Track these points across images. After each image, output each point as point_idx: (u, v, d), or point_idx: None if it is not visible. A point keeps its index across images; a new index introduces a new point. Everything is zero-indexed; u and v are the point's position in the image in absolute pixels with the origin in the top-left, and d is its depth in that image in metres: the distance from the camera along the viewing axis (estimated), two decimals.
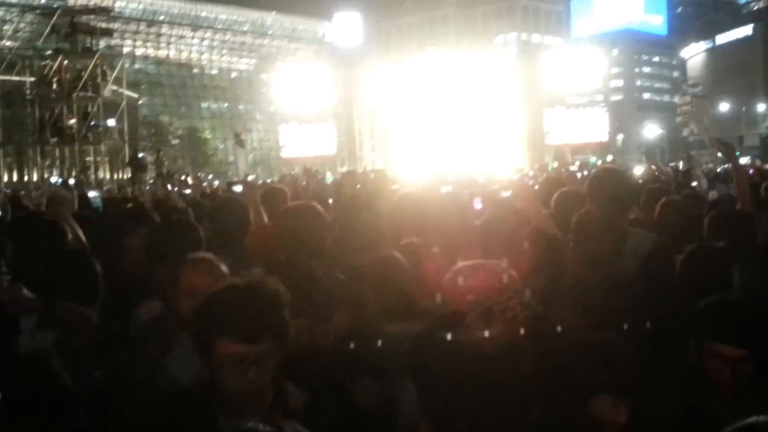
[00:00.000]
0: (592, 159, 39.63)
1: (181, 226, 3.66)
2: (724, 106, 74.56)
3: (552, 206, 4.24)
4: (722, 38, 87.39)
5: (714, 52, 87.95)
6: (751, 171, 11.88)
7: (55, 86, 30.87)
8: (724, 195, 6.95)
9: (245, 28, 68.21)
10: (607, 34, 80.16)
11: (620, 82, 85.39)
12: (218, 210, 4.13)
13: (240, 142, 26.52)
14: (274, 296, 1.86)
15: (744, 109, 69.17)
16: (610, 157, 43.98)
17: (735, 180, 5.30)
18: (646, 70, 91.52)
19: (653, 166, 13.35)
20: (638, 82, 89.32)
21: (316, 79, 43.88)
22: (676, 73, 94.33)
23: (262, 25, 69.11)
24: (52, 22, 32.48)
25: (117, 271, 3.50)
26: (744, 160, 28.17)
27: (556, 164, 23.71)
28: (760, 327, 2.28)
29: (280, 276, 2.35)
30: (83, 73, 31.43)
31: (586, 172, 13.33)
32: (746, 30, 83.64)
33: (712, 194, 7.82)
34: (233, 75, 69.04)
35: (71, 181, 23.86)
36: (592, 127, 53.30)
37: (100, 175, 34.09)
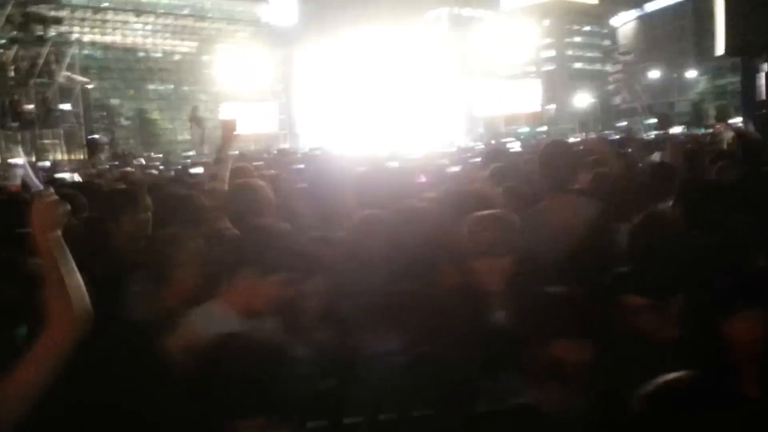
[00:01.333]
0: (525, 129, 40.19)
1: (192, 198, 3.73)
2: (655, 74, 74.02)
3: (488, 176, 4.39)
4: (652, 6, 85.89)
5: (644, 20, 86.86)
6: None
7: (12, 74, 31.60)
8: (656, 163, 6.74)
9: (185, 12, 69.01)
10: (537, 5, 79.98)
11: (552, 53, 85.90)
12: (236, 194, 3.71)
13: (197, 120, 26.84)
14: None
15: (675, 75, 70.41)
16: (544, 128, 44.71)
17: (668, 146, 5.30)
18: (577, 39, 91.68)
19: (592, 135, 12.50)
20: (569, 52, 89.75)
21: (255, 60, 44.96)
22: (607, 42, 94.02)
23: (201, 9, 69.98)
24: (6, 13, 32.67)
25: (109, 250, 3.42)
26: (677, 130, 28.86)
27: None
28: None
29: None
30: (38, 61, 32.27)
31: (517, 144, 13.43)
32: None
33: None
34: (177, 57, 69.53)
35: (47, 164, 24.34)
36: (525, 98, 54.04)
37: (57, 156, 34.41)
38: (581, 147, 9.02)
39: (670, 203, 3.80)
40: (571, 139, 20.20)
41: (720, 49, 5.52)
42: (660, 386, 1.63)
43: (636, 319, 2.39)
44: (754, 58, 6.11)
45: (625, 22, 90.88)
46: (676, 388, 1.57)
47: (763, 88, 5.55)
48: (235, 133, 4.27)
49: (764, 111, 5.20)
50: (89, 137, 29.13)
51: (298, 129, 44.57)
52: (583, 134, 20.77)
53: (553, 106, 74.94)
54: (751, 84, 7.34)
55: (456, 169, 6.36)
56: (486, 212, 2.95)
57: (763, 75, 5.29)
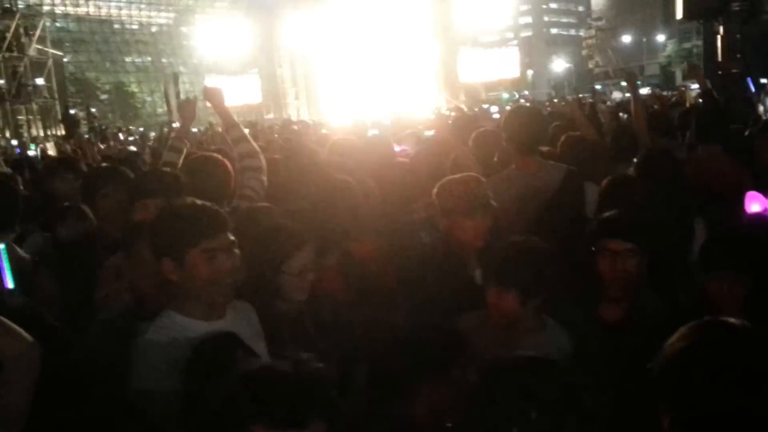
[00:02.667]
0: (505, 95, 40.36)
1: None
2: (626, 38, 75.98)
3: (471, 143, 4.43)
4: None
5: None
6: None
7: None
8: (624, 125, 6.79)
9: None
10: None
11: (529, 19, 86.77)
12: (197, 169, 3.53)
13: (172, 90, 26.60)
14: (318, 373, 1.52)
15: (644, 40, 71.83)
16: (525, 92, 45.01)
17: (633, 109, 5.28)
18: (553, 6, 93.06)
19: (561, 102, 13.07)
20: (546, 18, 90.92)
21: (236, 30, 44.14)
22: (581, 8, 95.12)
23: None
24: None
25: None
26: (645, 91, 29.02)
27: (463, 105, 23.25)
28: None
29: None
30: (7, 34, 31.54)
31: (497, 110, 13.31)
32: None
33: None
34: (154, 29, 68.24)
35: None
36: (504, 65, 54.61)
37: (33, 132, 33.99)
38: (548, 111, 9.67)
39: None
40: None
41: (679, 13, 5.75)
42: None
43: (617, 262, 2.48)
44: (712, 22, 6.39)
45: None
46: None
47: (720, 50, 5.84)
48: (220, 100, 3.93)
49: (720, 71, 5.50)
50: (63, 112, 28.25)
51: (286, 99, 43.69)
52: (556, 99, 20.89)
53: (531, 72, 76.19)
54: (711, 46, 7.68)
55: (431, 133, 6.34)
56: (462, 175, 3.09)
57: (719, 38, 5.58)
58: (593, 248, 2.54)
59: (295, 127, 13.37)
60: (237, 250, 2.13)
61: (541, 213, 3.42)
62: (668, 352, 1.35)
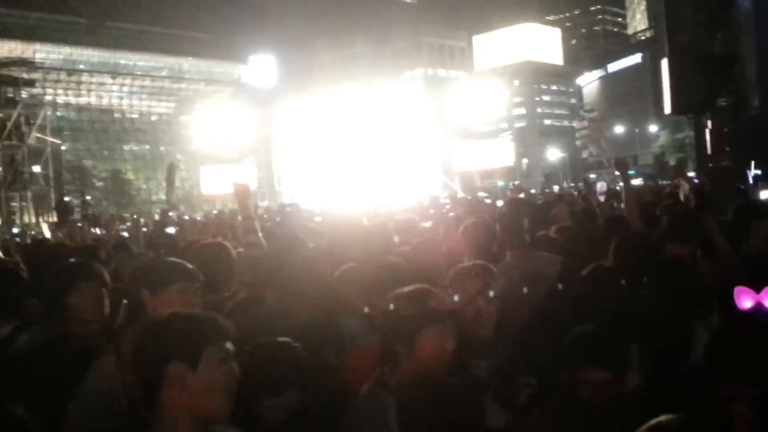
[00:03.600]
0: (500, 183, 40.69)
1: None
2: (618, 129, 77.76)
3: (460, 235, 4.33)
4: (613, 66, 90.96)
5: (607, 79, 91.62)
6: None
7: None
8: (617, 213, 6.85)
9: (163, 74, 69.92)
10: (508, 66, 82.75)
11: (523, 110, 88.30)
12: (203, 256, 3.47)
13: (171, 177, 27.01)
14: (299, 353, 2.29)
15: (637, 130, 73.29)
16: (517, 182, 45.68)
17: (624, 199, 5.26)
18: (546, 98, 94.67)
19: (555, 188, 13.26)
20: (539, 110, 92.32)
21: (234, 120, 45.41)
22: (573, 100, 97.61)
23: (179, 70, 71.07)
24: None
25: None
26: (637, 181, 29.49)
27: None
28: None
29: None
30: (7, 123, 32.09)
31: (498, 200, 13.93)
32: (635, 58, 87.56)
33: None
34: (153, 118, 70.08)
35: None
36: (499, 154, 55.73)
37: (26, 219, 34.24)
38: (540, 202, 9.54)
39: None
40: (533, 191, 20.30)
41: (668, 108, 5.77)
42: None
43: (594, 392, 2.37)
44: (700, 116, 6.39)
45: (589, 82, 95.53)
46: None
47: (709, 144, 5.81)
48: (247, 196, 4.27)
49: (710, 165, 5.48)
50: (58, 199, 28.58)
51: (279, 186, 44.29)
52: (547, 188, 21.00)
53: (525, 161, 78.00)
54: (702, 139, 7.71)
55: (428, 224, 6.38)
56: (470, 263, 3.09)
57: (707, 131, 5.56)
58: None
59: (289, 209, 13.10)
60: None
61: (540, 304, 3.41)
62: None
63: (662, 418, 1.43)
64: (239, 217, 4.64)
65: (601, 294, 3.15)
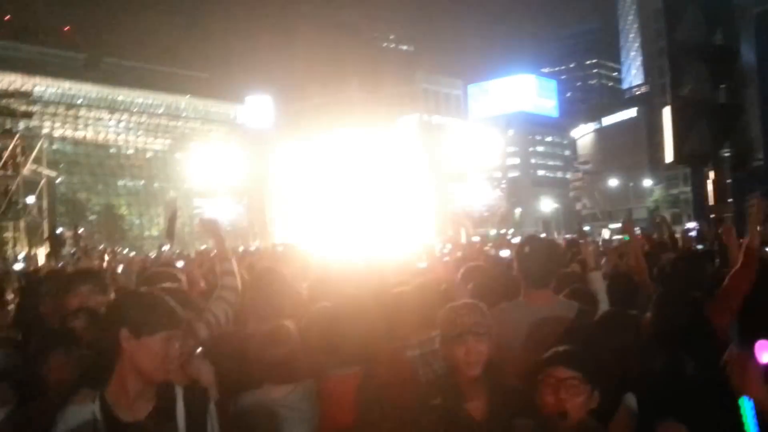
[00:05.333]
0: (492, 232, 42.89)
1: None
2: (613, 182, 78.08)
3: (460, 278, 4.28)
4: (608, 120, 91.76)
5: (601, 133, 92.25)
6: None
7: None
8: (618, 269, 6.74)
9: (160, 111, 70.38)
10: (503, 116, 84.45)
11: (516, 160, 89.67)
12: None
13: (172, 213, 27.31)
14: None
15: (631, 184, 74.11)
16: (511, 230, 45.99)
17: (631, 251, 5.24)
18: (540, 149, 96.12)
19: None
20: (533, 160, 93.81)
21: (229, 159, 45.57)
22: (567, 152, 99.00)
23: (176, 108, 71.61)
24: None
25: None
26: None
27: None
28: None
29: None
30: (4, 153, 31.71)
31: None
32: (630, 113, 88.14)
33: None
34: (149, 155, 70.17)
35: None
36: (492, 202, 56.40)
37: (18, 250, 33.45)
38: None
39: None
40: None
41: (669, 157, 5.74)
42: None
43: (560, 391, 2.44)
44: (701, 167, 6.40)
45: (583, 134, 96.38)
46: None
47: (712, 194, 5.78)
48: (216, 233, 3.86)
49: (713, 215, 5.44)
50: (50, 231, 28.22)
51: (272, 227, 44.52)
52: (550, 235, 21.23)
53: (518, 210, 78.50)
54: (701, 191, 7.67)
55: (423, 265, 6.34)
56: (464, 300, 3.03)
57: (710, 182, 5.54)
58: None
59: (280, 248, 12.98)
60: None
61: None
62: None
63: None
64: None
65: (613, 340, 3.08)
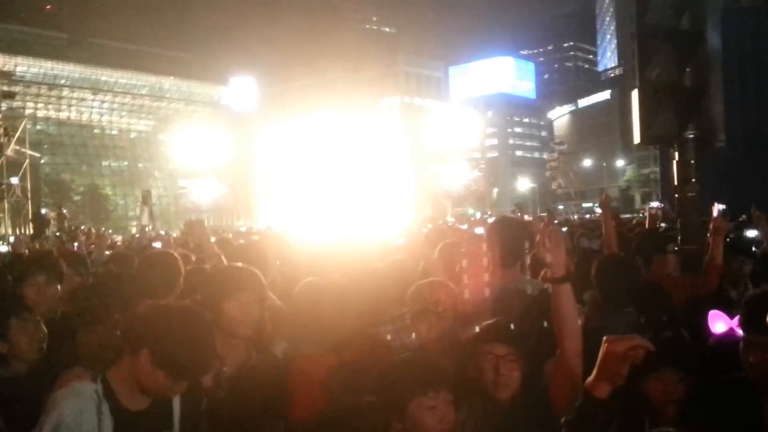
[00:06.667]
0: (470, 211, 42.07)
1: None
2: (587, 162, 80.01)
3: (437, 254, 4.23)
4: (584, 102, 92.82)
5: (577, 114, 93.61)
6: None
7: None
8: (587, 249, 6.68)
9: (144, 92, 69.91)
10: (482, 98, 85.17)
11: (495, 141, 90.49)
12: (149, 264, 3.79)
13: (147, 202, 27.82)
14: None
15: (605, 164, 75.10)
16: (488, 212, 46.72)
17: (604, 228, 5.33)
18: (518, 130, 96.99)
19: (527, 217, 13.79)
20: (511, 141, 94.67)
21: (213, 140, 45.72)
22: (544, 133, 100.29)
23: (160, 89, 71.04)
24: None
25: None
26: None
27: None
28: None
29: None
30: None
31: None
32: (605, 95, 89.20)
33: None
34: (132, 135, 70.04)
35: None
36: (471, 182, 57.13)
37: (2, 230, 33.23)
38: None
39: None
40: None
41: (637, 138, 6.31)
42: None
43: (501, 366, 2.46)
44: (668, 149, 7.01)
45: (560, 116, 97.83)
46: None
47: (675, 174, 6.36)
48: (202, 234, 4.37)
49: (676, 195, 6.02)
50: (34, 212, 28.35)
51: (257, 207, 44.63)
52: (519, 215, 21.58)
53: (496, 190, 79.69)
54: (668, 170, 8.22)
55: (401, 240, 6.36)
56: (431, 279, 3.18)
57: (674, 163, 6.13)
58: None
59: (255, 237, 13.34)
60: None
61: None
62: None
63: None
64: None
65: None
